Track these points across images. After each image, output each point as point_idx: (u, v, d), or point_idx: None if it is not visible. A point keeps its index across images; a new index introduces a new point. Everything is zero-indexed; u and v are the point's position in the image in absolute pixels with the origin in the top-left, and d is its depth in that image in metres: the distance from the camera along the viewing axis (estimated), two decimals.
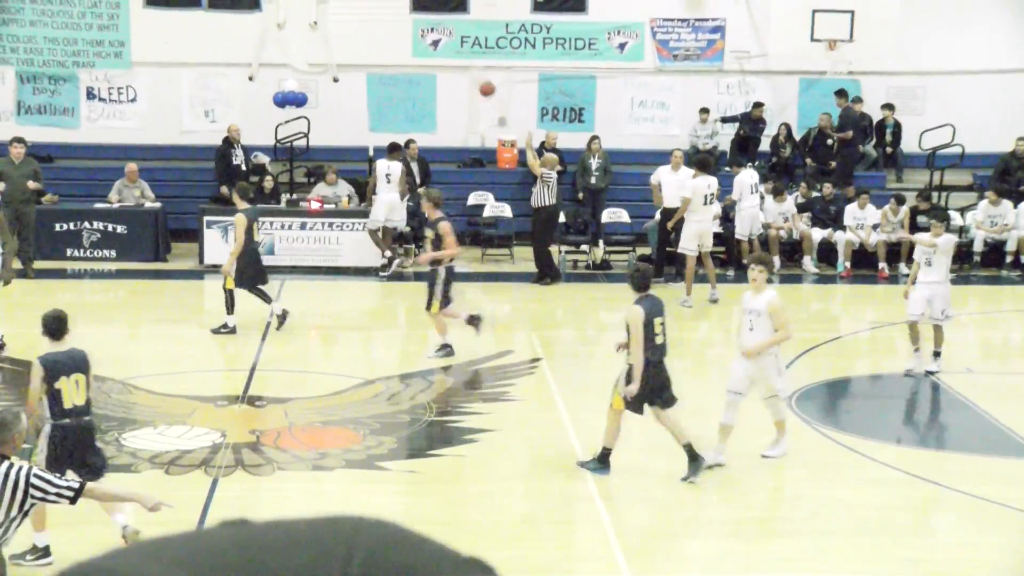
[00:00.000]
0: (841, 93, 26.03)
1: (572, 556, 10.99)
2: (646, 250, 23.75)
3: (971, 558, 10.79)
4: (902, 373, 16.63)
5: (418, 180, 24.44)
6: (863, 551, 10.84)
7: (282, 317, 18.26)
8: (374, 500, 11.87)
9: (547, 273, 22.29)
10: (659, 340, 12.14)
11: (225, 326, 18.06)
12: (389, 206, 22.78)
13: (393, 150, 23.26)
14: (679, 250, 21.49)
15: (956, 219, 24.59)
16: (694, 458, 12.26)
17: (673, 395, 12.34)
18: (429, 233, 17.44)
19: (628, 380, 12.14)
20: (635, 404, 12.21)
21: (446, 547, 0.86)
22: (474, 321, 17.31)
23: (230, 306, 17.95)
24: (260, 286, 18.19)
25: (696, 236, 21.10)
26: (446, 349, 17.05)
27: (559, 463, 12.97)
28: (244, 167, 24.86)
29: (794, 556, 10.71)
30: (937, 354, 16.58)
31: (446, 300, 17.04)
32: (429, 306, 17.05)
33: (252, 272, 18.06)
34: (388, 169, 22.82)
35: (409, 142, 24.73)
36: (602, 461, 12.51)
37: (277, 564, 0.77)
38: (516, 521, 11.48)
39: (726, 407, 12.72)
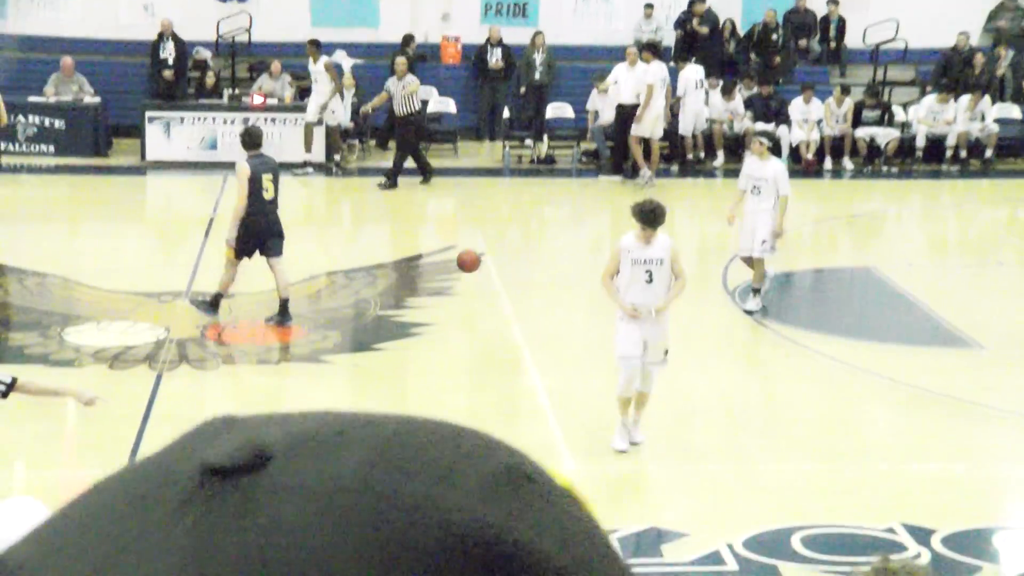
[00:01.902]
0: None
1: None
2: (591, 145, 23.69)
3: (909, 446, 10.97)
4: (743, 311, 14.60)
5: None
6: (805, 443, 10.99)
7: None
8: (318, 394, 11.91)
9: (428, 170, 21.77)
10: (267, 195, 13.26)
11: None
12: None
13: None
14: (636, 133, 21.54)
15: (899, 114, 24.69)
16: (285, 311, 13.44)
17: (281, 246, 13.38)
18: None
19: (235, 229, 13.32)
20: (241, 250, 13.35)
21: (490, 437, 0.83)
22: None
23: None
24: None
25: (654, 120, 21.32)
26: None
27: (503, 357, 13.03)
28: (170, 61, 24.47)
29: (737, 448, 10.84)
30: (755, 291, 14.44)
31: None
32: None
33: None
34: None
35: (409, 38, 24.67)
36: (214, 304, 13.67)
37: (434, 454, 0.78)
38: (461, 415, 11.55)
39: (627, 376, 10.42)
